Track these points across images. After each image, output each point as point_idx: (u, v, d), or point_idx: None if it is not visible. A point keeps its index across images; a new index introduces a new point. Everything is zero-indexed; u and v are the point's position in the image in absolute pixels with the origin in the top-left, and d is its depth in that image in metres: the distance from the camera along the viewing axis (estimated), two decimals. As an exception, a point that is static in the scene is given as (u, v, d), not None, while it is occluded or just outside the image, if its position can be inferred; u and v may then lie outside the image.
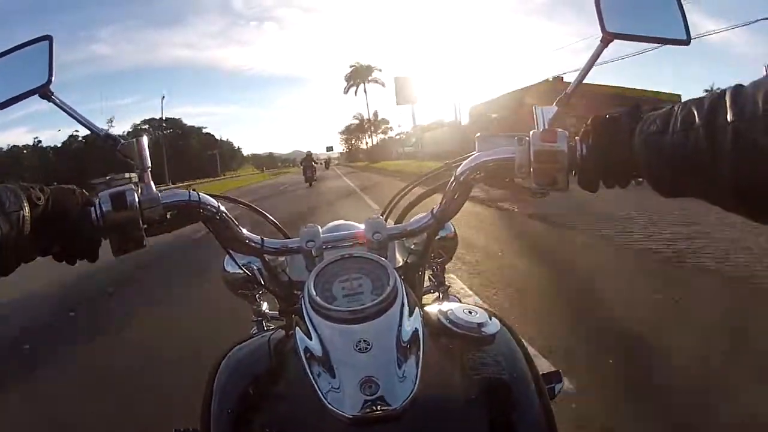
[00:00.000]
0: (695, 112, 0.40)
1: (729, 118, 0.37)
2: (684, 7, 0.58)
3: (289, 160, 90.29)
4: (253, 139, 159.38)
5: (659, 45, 0.63)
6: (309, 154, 20.23)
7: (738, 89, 0.39)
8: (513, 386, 0.51)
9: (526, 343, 0.57)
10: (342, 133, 65.11)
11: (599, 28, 0.55)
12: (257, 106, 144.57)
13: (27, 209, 0.47)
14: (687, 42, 0.58)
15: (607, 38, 0.55)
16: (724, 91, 0.39)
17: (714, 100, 0.40)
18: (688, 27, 0.58)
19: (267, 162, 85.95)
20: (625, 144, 0.47)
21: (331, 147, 66.03)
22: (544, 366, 2.01)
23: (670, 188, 0.45)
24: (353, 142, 63.07)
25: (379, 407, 0.43)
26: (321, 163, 29.34)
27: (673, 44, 0.59)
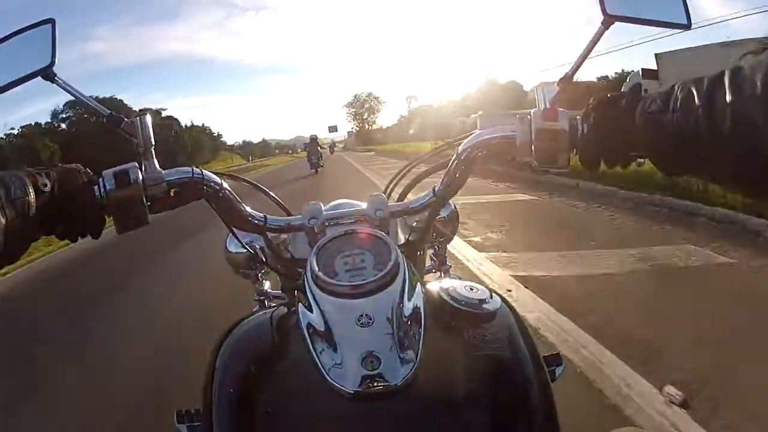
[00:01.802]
0: (695, 92, 0.41)
1: (728, 98, 0.38)
2: None
3: (289, 146, 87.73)
4: (251, 127, 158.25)
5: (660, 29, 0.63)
6: (313, 139, 17.68)
7: (737, 70, 0.39)
8: (513, 364, 0.51)
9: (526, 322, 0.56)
10: (349, 105, 47.64)
11: (600, 10, 0.55)
12: (255, 93, 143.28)
13: (32, 195, 0.47)
14: (688, 27, 0.58)
15: (608, 21, 0.55)
16: (723, 72, 0.40)
17: (713, 80, 0.40)
18: (689, 11, 0.58)
19: (259, 150, 77.30)
20: (626, 123, 0.47)
21: (335, 127, 49.79)
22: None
23: (672, 166, 0.46)
24: (365, 117, 48.12)
25: (380, 383, 0.44)
26: (326, 148, 27.85)
27: (673, 28, 0.59)
